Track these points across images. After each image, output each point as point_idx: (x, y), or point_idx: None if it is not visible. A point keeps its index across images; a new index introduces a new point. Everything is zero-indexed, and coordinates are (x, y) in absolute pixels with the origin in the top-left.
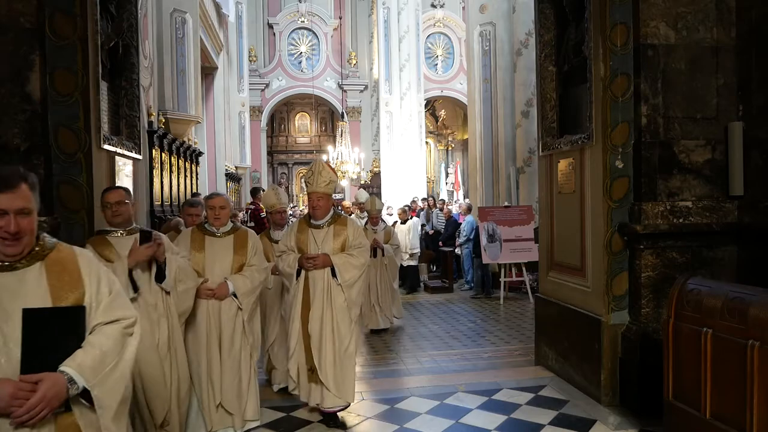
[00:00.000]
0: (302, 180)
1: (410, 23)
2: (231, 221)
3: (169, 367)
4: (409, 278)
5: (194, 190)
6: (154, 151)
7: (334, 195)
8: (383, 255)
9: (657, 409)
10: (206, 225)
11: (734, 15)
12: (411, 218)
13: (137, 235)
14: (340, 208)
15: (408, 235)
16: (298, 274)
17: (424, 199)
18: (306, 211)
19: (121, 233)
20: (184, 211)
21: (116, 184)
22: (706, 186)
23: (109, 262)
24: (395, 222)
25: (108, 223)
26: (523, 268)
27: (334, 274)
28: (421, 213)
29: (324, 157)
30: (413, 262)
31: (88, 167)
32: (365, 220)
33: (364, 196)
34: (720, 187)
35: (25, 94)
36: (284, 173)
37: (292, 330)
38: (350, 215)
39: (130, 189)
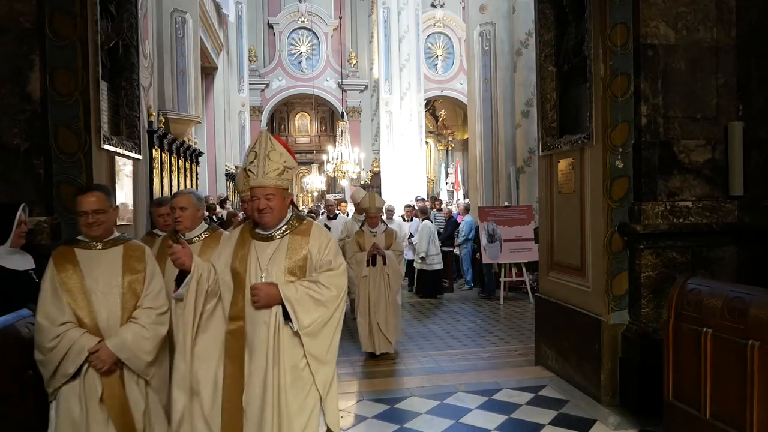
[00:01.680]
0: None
1: (410, 23)
2: (208, 221)
3: None
4: (433, 283)
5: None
6: (154, 151)
7: (333, 195)
8: (384, 264)
9: (657, 409)
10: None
11: (734, 15)
12: (411, 219)
13: (121, 248)
14: (327, 207)
15: (434, 235)
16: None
17: (421, 199)
18: (305, 210)
19: (96, 246)
20: (154, 213)
21: (95, 183)
22: (706, 186)
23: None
24: (422, 218)
25: (83, 234)
26: (523, 268)
27: (287, 316)
28: None
29: (324, 157)
30: (440, 265)
31: (88, 167)
32: (362, 222)
33: (362, 194)
34: (720, 187)
35: (25, 94)
36: None
37: (204, 400)
38: (336, 215)
39: (130, 189)
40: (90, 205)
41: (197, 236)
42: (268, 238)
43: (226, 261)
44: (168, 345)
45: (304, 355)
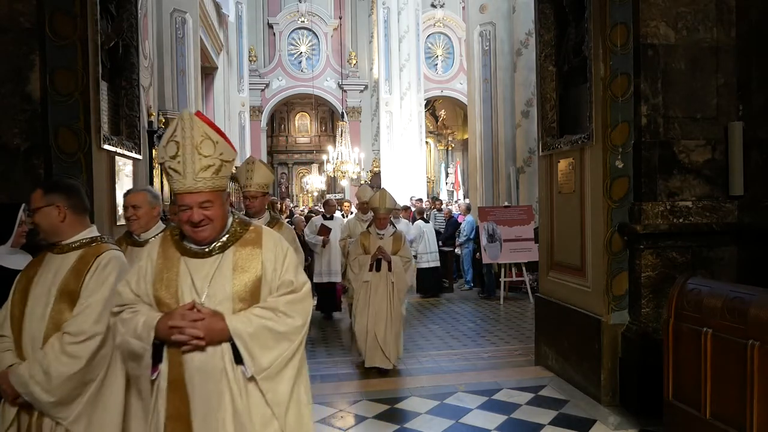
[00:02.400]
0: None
1: (410, 23)
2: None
3: None
4: (431, 281)
5: None
6: (154, 151)
7: (333, 195)
8: (390, 270)
9: (657, 409)
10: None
11: (734, 15)
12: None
13: (79, 252)
14: (327, 208)
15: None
16: (158, 357)
17: (418, 200)
18: (305, 210)
19: (63, 249)
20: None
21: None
22: (706, 186)
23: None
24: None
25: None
26: (523, 268)
27: (238, 359)
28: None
29: (324, 157)
30: (428, 264)
31: (88, 167)
32: (369, 222)
33: (368, 193)
34: (720, 187)
35: (25, 94)
36: (284, 173)
37: None
38: (332, 216)
39: (124, 187)
40: (30, 204)
41: (153, 237)
42: (204, 254)
43: (146, 288)
44: (116, 382)
45: (268, 404)
